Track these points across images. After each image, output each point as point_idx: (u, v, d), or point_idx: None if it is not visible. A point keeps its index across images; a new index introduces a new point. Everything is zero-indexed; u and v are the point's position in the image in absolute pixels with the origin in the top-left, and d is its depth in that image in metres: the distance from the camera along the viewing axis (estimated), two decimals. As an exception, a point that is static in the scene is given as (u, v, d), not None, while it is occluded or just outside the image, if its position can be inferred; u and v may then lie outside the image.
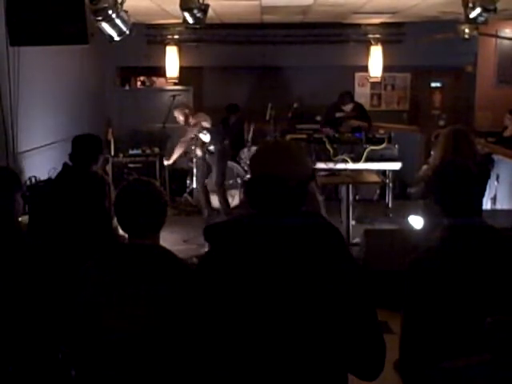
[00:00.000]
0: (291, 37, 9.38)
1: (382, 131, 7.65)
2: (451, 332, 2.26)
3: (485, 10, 5.33)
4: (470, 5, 5.42)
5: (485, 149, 6.07)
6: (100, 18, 4.49)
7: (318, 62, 9.39)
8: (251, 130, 8.94)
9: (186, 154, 7.94)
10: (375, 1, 7.04)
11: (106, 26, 4.62)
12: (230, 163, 8.13)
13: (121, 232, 2.41)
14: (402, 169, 7.26)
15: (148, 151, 8.94)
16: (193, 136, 7.43)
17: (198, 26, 5.80)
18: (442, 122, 8.45)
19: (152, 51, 9.40)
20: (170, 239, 6.13)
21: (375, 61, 9.60)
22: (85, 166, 3.92)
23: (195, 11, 5.44)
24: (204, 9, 5.54)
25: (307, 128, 8.57)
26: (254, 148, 8.24)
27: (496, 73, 9.57)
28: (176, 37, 9.43)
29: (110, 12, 4.50)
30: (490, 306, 2.23)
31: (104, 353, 2.16)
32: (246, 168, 8.21)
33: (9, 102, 5.13)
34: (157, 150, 8.96)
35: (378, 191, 8.52)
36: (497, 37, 9.03)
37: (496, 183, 6.45)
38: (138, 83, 10.62)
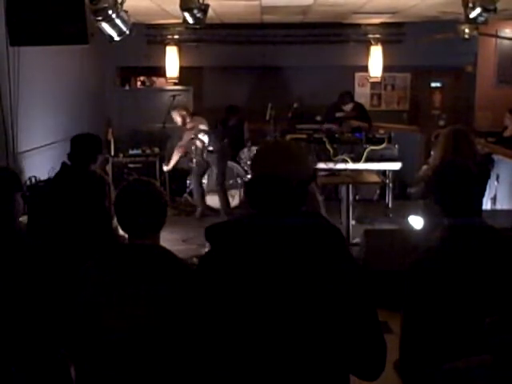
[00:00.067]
0: (291, 37, 9.38)
1: (382, 131, 7.66)
2: (451, 332, 2.26)
3: (485, 9, 5.33)
4: (470, 5, 5.42)
5: (485, 149, 6.08)
6: (100, 18, 4.49)
7: (317, 62, 9.38)
8: (246, 129, 8.96)
9: (187, 154, 7.96)
10: (375, 1, 7.04)
11: (106, 26, 4.62)
12: (230, 163, 8.14)
13: (121, 232, 2.41)
14: (401, 169, 7.27)
15: (148, 151, 8.94)
16: (189, 139, 7.52)
17: (197, 26, 5.80)
18: (442, 122, 8.43)
19: (152, 51, 9.40)
20: (170, 239, 6.13)
21: (375, 61, 9.60)
22: (83, 165, 3.91)
23: (195, 11, 5.44)
24: (204, 9, 5.55)
25: (307, 128, 8.54)
26: (254, 148, 8.24)
27: (496, 73, 9.56)
28: (176, 37, 9.43)
29: (110, 12, 4.50)
30: (490, 306, 2.22)
31: (104, 353, 2.16)
32: (246, 168, 8.21)
33: (9, 102, 5.14)
34: (157, 150, 8.96)
35: (377, 191, 8.51)
36: (497, 37, 9.03)
37: (496, 183, 6.45)
38: (138, 83, 10.62)
